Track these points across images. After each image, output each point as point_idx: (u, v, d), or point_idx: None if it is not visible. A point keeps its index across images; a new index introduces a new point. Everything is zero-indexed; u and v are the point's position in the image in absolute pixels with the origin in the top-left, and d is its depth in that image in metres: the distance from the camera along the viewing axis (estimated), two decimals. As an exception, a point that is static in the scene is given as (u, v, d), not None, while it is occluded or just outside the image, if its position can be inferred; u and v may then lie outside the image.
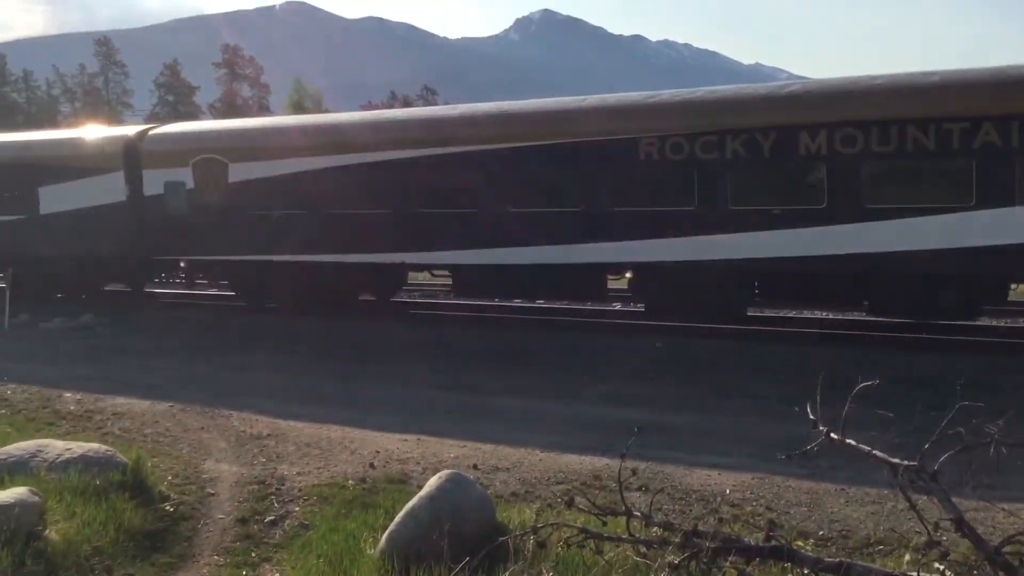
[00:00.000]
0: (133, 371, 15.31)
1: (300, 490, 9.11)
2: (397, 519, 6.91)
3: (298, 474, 9.59)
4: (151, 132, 22.26)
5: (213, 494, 9.04)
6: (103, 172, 21.96)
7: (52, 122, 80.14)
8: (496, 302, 20.40)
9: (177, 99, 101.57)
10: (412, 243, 18.38)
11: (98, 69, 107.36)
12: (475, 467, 9.60)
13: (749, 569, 5.67)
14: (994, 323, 16.80)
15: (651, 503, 6.51)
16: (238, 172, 20.08)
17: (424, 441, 10.70)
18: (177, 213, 20.89)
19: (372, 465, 9.77)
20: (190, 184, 20.70)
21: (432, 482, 7.09)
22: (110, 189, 21.72)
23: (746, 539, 5.89)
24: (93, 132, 24.46)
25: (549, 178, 17.13)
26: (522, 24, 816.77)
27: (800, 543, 7.02)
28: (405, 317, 19.36)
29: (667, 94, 16.70)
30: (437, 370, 14.80)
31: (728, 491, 8.56)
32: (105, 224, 21.79)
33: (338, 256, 19.17)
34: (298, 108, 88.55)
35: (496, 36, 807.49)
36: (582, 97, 17.67)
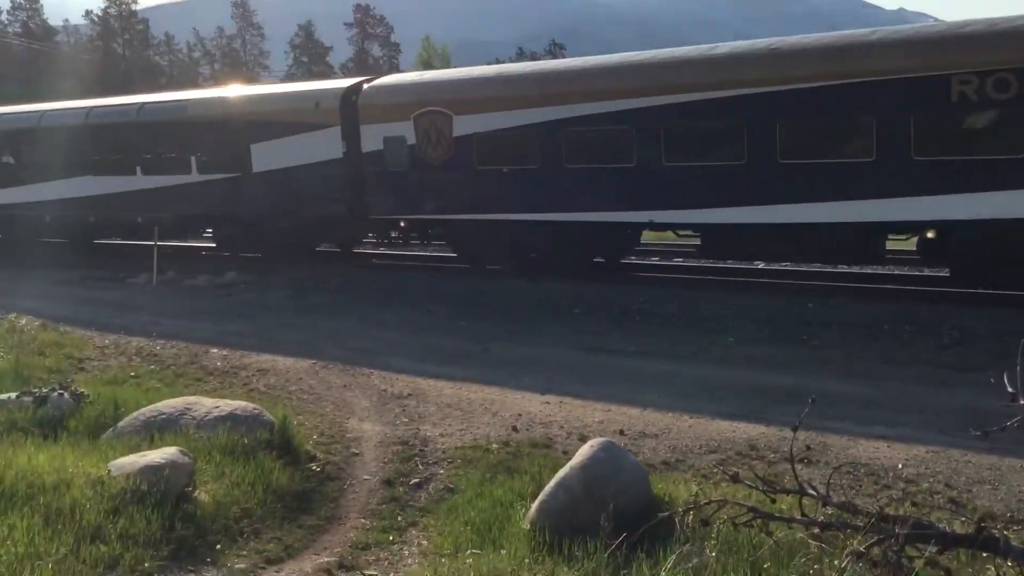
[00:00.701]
0: (276, 328, 15.51)
1: (444, 452, 8.93)
2: (547, 489, 6.61)
3: (441, 435, 9.42)
4: (369, 85, 20.78)
5: (358, 454, 8.96)
6: (318, 128, 20.58)
7: (193, 84, 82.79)
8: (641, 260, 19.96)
9: (311, 60, 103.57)
10: (660, 200, 16.59)
11: (235, 31, 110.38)
12: (621, 432, 9.24)
13: (943, 560, 5.11)
14: None
15: (828, 481, 5.93)
16: (464, 125, 18.47)
17: (566, 404, 10.39)
18: (397, 170, 19.59)
19: (515, 428, 9.52)
20: (411, 139, 19.24)
21: (583, 451, 6.74)
22: (325, 145, 20.41)
23: (941, 525, 5.31)
24: (307, 86, 23.15)
25: (833, 123, 14.98)
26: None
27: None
28: (549, 277, 19.01)
29: (982, 22, 14.39)
30: (574, 331, 14.45)
31: (900, 466, 7.94)
32: (320, 182, 20.64)
33: (574, 215, 17.47)
34: (427, 67, 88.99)
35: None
36: (870, 30, 15.57)
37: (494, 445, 8.96)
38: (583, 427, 9.47)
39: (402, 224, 20.74)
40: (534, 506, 6.68)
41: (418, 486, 8.24)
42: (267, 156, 21.46)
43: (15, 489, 6.25)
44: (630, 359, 12.54)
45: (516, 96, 18.11)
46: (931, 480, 7.63)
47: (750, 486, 6.01)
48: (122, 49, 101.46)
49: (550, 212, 17.75)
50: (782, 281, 16.78)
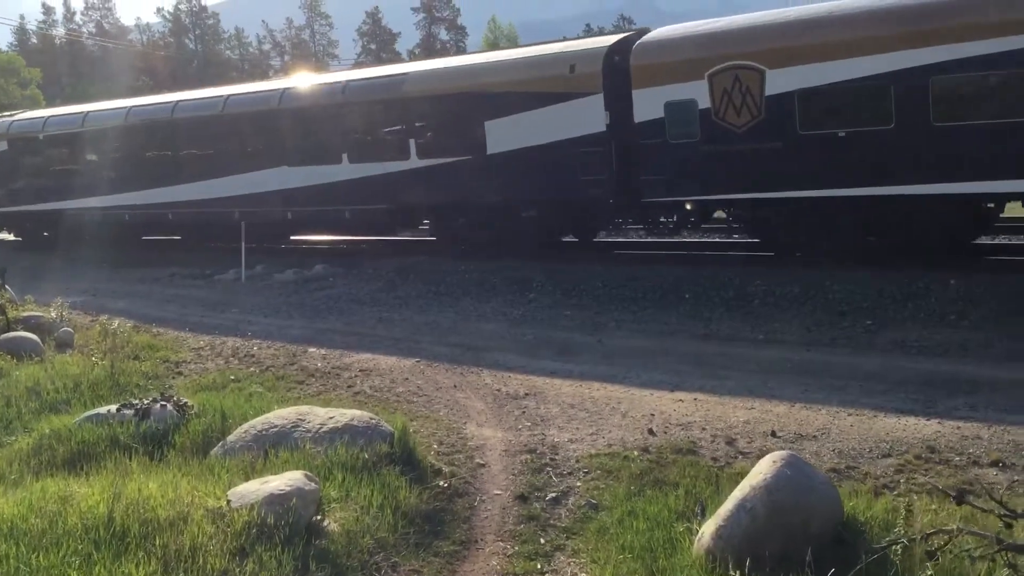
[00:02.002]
0: (372, 323, 14.85)
1: (577, 460, 8.08)
2: (725, 511, 5.69)
3: (570, 441, 8.57)
4: (643, 40, 16.92)
5: (483, 465, 8.15)
6: (573, 97, 17.18)
7: (264, 76, 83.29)
8: (734, 238, 18.45)
9: (379, 47, 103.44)
10: None
11: (304, 22, 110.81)
12: (773, 434, 8.30)
13: None
14: None
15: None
16: (782, 80, 14.85)
17: (701, 401, 9.47)
18: (684, 141, 15.97)
19: (651, 431, 8.63)
20: (704, 103, 15.69)
21: (765, 467, 5.81)
22: (582, 118, 17.04)
23: None
24: (558, 48, 18.73)
25: None
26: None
27: None
28: (644, 260, 17.96)
29: None
30: (691, 317, 13.49)
31: (1113, 468, 6.84)
32: (574, 162, 17.25)
33: (948, 186, 13.72)
34: (493, 48, 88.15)
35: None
36: None
37: (633, 452, 8.07)
38: (727, 428, 8.54)
39: (688, 207, 17.00)
40: (707, 530, 5.78)
41: (556, 501, 7.40)
42: (505, 134, 18.18)
43: (127, 527, 5.56)
44: (760, 348, 11.56)
45: (862, 38, 14.19)
46: None
47: (980, 508, 5.03)
48: (194, 44, 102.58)
49: (910, 183, 14.02)
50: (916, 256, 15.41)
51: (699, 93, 15.66)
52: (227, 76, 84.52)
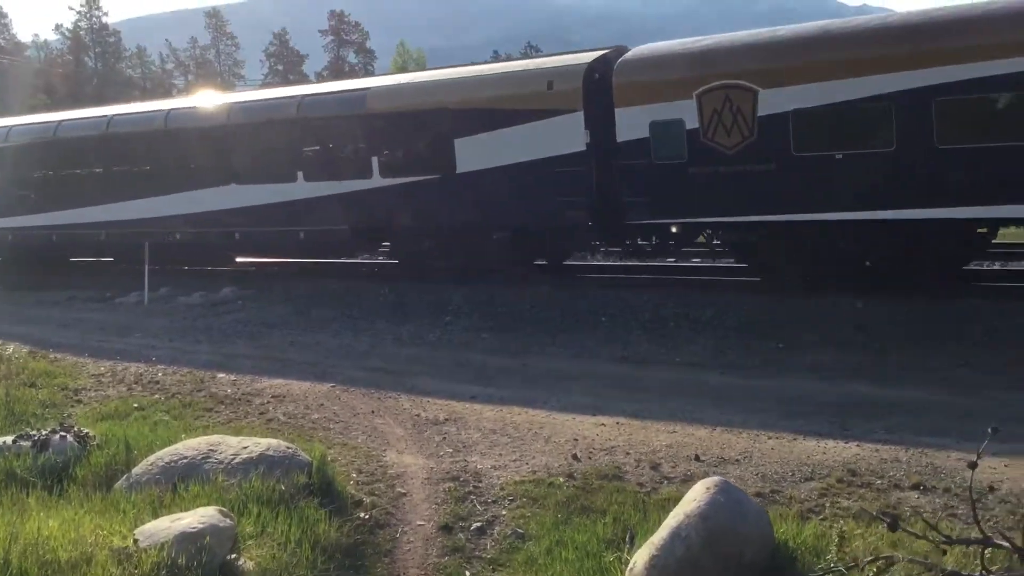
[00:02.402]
0: (284, 347, 14.45)
1: (501, 488, 7.90)
2: (659, 540, 5.59)
3: (493, 467, 8.38)
4: (627, 57, 16.19)
5: (405, 494, 7.91)
6: (551, 115, 16.39)
7: (167, 95, 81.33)
8: (659, 262, 18.37)
9: (286, 68, 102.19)
10: None
11: (209, 42, 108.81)
12: (697, 458, 8.26)
13: None
14: None
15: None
16: (776, 101, 14.28)
17: (624, 425, 9.39)
18: (670, 163, 15.30)
19: (575, 456, 8.50)
20: (692, 123, 15.03)
21: (698, 494, 5.73)
22: (561, 137, 16.28)
23: None
24: (535, 64, 17.92)
25: None
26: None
27: None
28: (560, 282, 17.94)
29: None
30: (608, 340, 13.47)
31: (1028, 488, 6.97)
32: (551, 183, 16.42)
33: (951, 211, 13.27)
34: (402, 72, 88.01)
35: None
36: None
37: (558, 478, 7.93)
38: (651, 453, 8.47)
39: (673, 230, 16.35)
40: (640, 560, 5.67)
41: (481, 531, 7.20)
42: (477, 153, 17.31)
43: (25, 571, 5.15)
44: (678, 370, 11.58)
45: (864, 58, 13.70)
46: (1074, 505, 6.66)
47: (914, 534, 5.02)
48: (94, 62, 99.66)
49: (911, 207, 13.48)
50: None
51: (687, 113, 15.09)
52: (128, 95, 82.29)
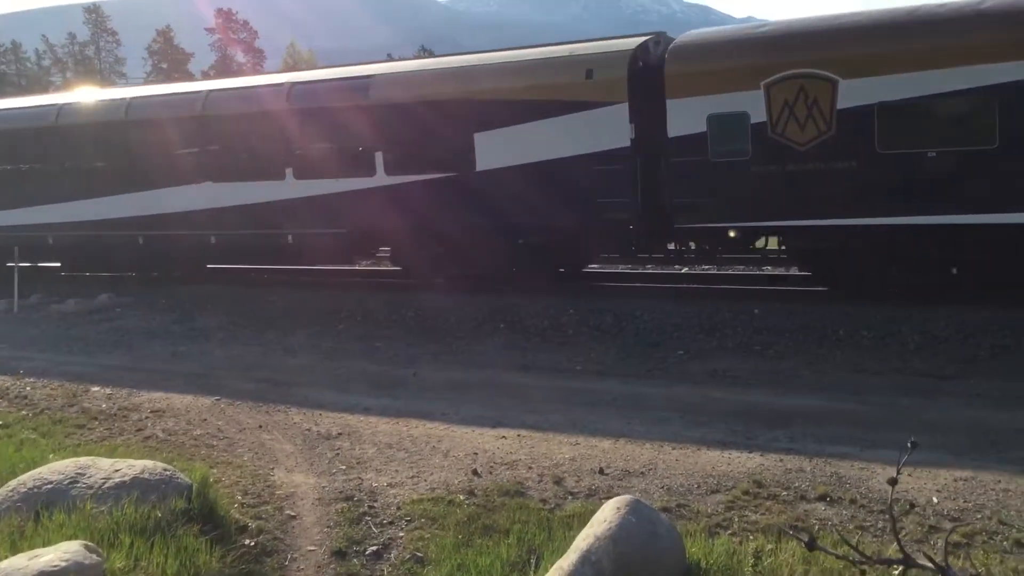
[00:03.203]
0: (165, 358, 13.67)
1: (398, 507, 7.48)
2: (568, 565, 5.27)
3: (389, 485, 7.95)
4: (680, 43, 14.78)
5: (294, 517, 7.41)
6: (589, 107, 14.89)
7: (44, 92, 77.74)
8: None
9: (171, 66, 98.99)
10: None
11: (89, 38, 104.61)
12: (601, 472, 8.00)
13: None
14: None
15: (945, 545, 4.82)
16: (858, 92, 13.02)
17: (525, 437, 9.08)
18: (730, 159, 13.99)
19: (475, 472, 8.14)
20: (758, 116, 13.73)
21: (609, 514, 5.44)
22: (601, 131, 14.77)
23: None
24: (570, 50, 15.93)
25: None
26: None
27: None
28: (456, 287, 17.54)
29: None
30: (507, 348, 13.17)
31: (935, 499, 6.93)
32: (589, 182, 15.00)
33: None
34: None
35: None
36: None
37: (458, 496, 7.55)
38: (554, 466, 8.18)
39: (732, 234, 14.77)
40: (549, 587, 5.34)
41: (377, 556, 6.77)
42: (501, 149, 15.67)
43: None
44: (580, 379, 11.34)
45: (963, 46, 12.51)
46: (979, 516, 6.62)
47: (832, 553, 4.82)
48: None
49: (1014, 211, 12.37)
50: (717, 286, 15.79)
51: (752, 105, 13.76)
52: (3, 92, 78.37)
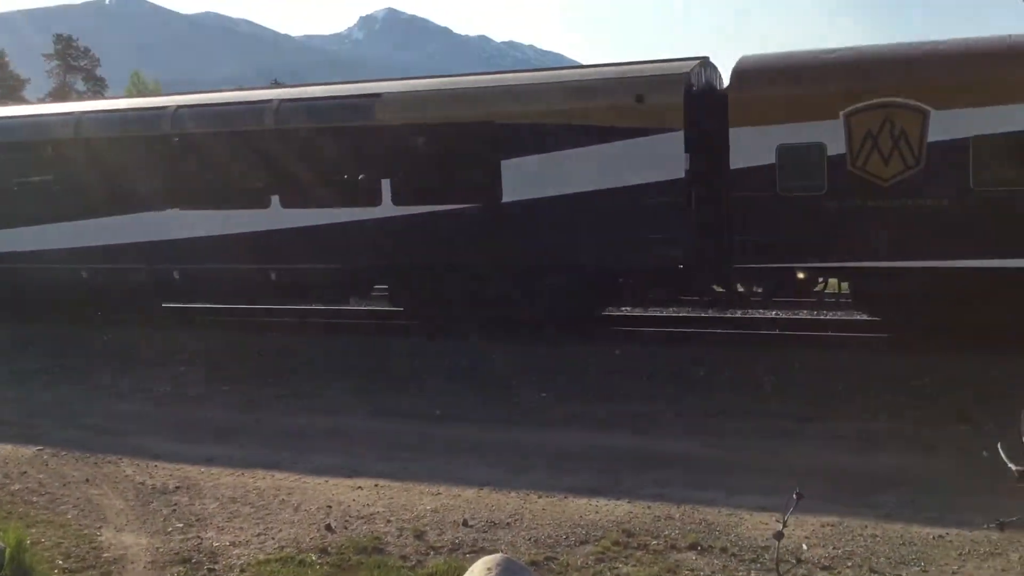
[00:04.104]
0: (-20, 404, 12.42)
1: (242, 570, 6.81)
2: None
3: (232, 544, 7.27)
4: (747, 66, 13.68)
5: (123, 584, 6.64)
6: (638, 134, 13.56)
7: None
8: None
9: (5, 92, 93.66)
10: None
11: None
12: (465, 524, 7.55)
13: None
14: None
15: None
16: (952, 124, 12.18)
17: (383, 488, 8.55)
18: (802, 194, 12.94)
19: (329, 527, 7.55)
20: (837, 148, 12.72)
21: (478, 574, 4.98)
22: (649, 160, 13.47)
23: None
24: (613, 73, 14.56)
25: None
26: (366, 22, 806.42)
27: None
28: (307, 328, 16.80)
29: None
30: (361, 392, 12.57)
31: (805, 547, 6.79)
32: (634, 216, 13.64)
33: None
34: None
35: (339, 34, 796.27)
36: None
37: (310, 555, 6.95)
38: (415, 519, 7.68)
39: (800, 276, 13.65)
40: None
41: (218, 626, 6.10)
42: (531, 178, 14.19)
43: None
44: (439, 425, 10.87)
45: None
46: (850, 564, 6.50)
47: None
48: None
49: None
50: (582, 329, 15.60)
51: (829, 135, 12.79)
52: None
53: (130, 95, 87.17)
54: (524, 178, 14.28)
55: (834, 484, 8.14)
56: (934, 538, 6.83)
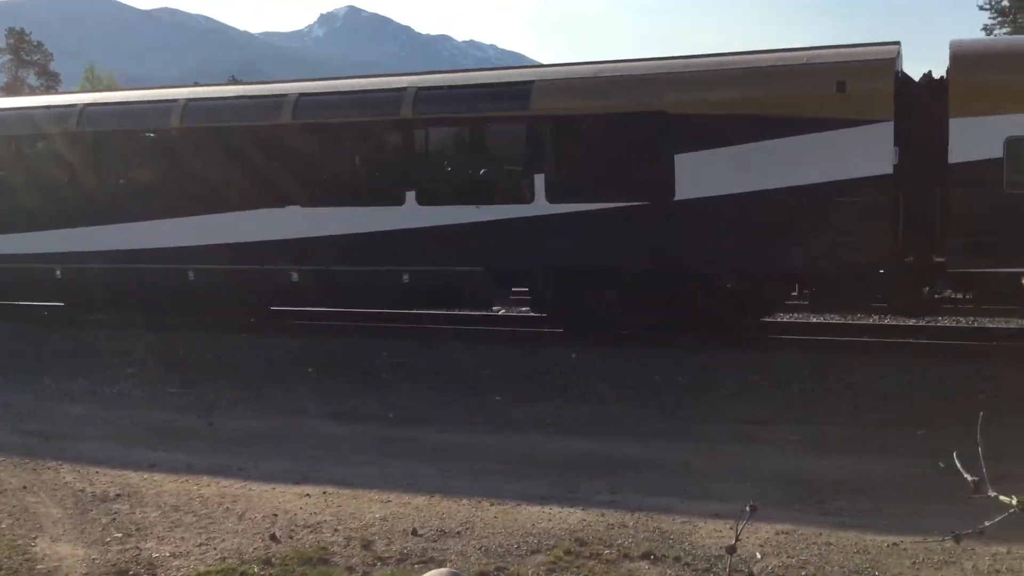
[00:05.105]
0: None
1: (182, 582, 6.56)
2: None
3: (172, 556, 7.01)
4: (969, 49, 12.67)
5: (56, 598, 6.37)
6: (835, 126, 12.46)
7: None
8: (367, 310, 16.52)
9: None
10: None
11: None
12: (415, 532, 7.34)
13: None
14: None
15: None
16: None
17: (332, 495, 8.32)
18: None
19: (274, 536, 7.31)
20: None
21: (423, 591, 4.81)
22: (849, 154, 12.38)
23: None
24: (806, 57, 13.36)
25: None
26: (326, 20, 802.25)
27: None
28: (264, 327, 16.43)
29: None
30: (317, 393, 12.34)
31: (759, 555, 6.68)
32: (829, 213, 12.55)
33: None
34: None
35: (299, 31, 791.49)
36: None
37: (252, 567, 6.70)
38: (363, 528, 7.46)
39: None
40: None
41: (154, 642, 5.86)
42: (709, 174, 13.03)
43: None
44: (393, 428, 10.69)
45: None
46: (803, 573, 6.40)
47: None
48: None
49: None
50: (532, 329, 15.47)
51: None
52: None
53: (83, 90, 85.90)
54: (702, 173, 13.09)
55: (789, 490, 8.08)
56: (888, 546, 6.75)
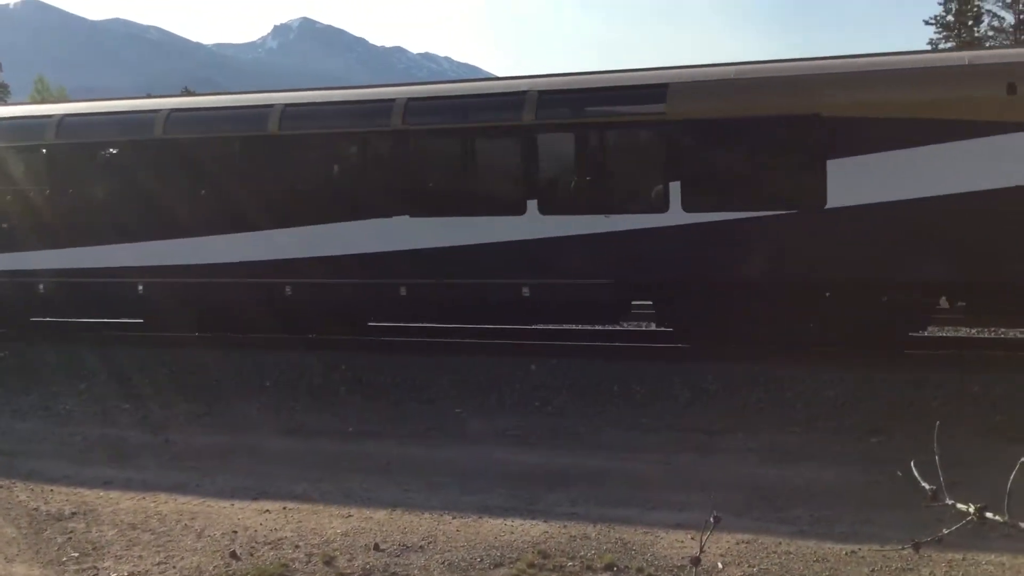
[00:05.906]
0: None
1: (140, 602, 6.48)
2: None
3: (131, 575, 6.91)
4: None
5: (10, 620, 6.25)
6: (1003, 130, 11.72)
7: None
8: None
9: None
10: None
11: None
12: (377, 548, 7.32)
13: None
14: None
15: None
16: None
17: (291, 511, 8.26)
18: None
19: (234, 554, 7.24)
20: None
21: (388, 606, 4.79)
22: (1015, 162, 11.70)
23: None
24: (967, 59, 12.77)
25: None
26: (280, 31, 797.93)
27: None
28: (210, 341, 16.21)
29: None
30: (273, 408, 12.24)
31: (720, 565, 6.75)
32: (985, 226, 11.88)
33: None
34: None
35: (253, 43, 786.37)
36: None
37: (214, 584, 6.65)
38: (324, 543, 7.42)
39: None
40: None
41: (113, 663, 5.77)
42: (864, 180, 12.26)
43: None
44: (353, 442, 10.62)
45: None
46: (764, 581, 6.50)
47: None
48: None
49: None
50: (494, 341, 15.40)
51: None
52: None
53: (34, 101, 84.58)
54: (857, 180, 12.36)
55: (748, 499, 8.17)
56: (847, 554, 6.86)
